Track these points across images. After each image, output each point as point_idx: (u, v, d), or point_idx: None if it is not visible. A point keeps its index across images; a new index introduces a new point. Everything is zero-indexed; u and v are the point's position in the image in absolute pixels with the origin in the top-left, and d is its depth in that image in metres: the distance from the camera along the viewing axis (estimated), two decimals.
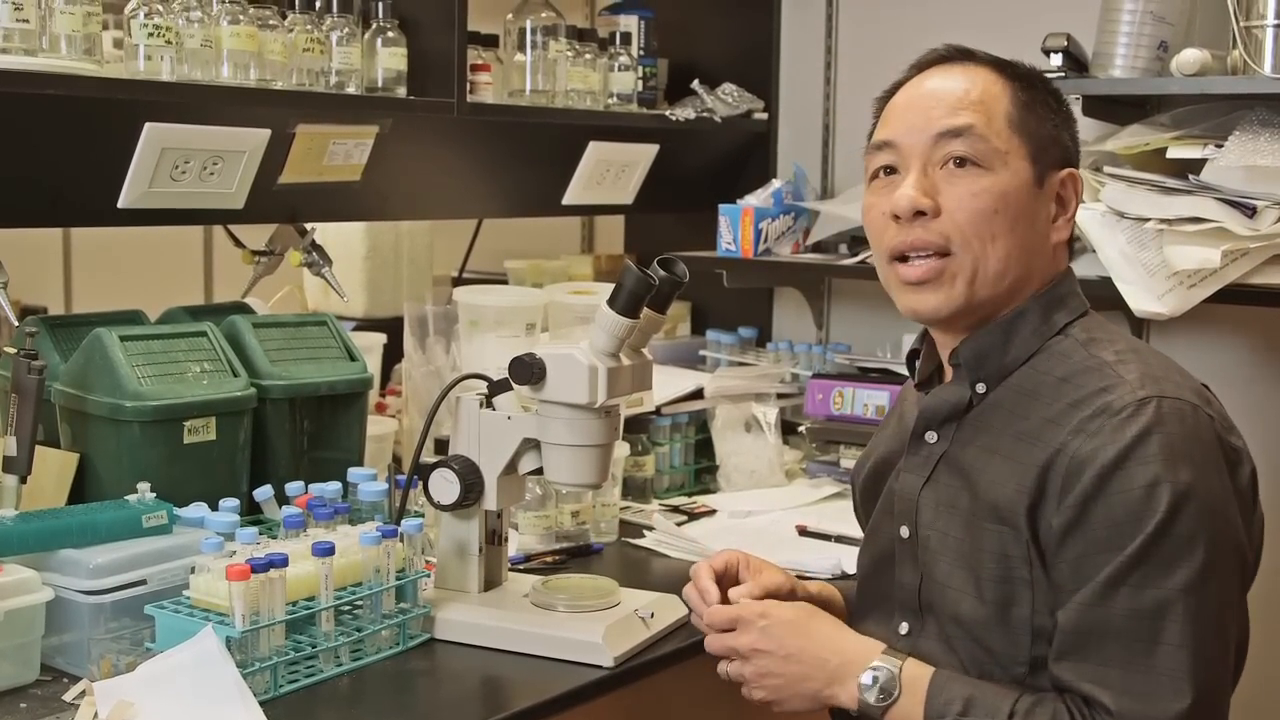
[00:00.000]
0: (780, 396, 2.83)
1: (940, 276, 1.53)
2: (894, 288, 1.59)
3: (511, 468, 1.86)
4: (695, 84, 3.03)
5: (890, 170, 1.58)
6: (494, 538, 1.92)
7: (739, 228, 2.87)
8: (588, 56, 2.74)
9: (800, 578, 1.78)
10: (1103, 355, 1.50)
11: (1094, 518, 1.41)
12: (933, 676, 1.49)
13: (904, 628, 1.60)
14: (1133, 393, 1.43)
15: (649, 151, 2.94)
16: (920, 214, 1.53)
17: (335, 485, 1.95)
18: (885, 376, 2.69)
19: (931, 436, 1.60)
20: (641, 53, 2.97)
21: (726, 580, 1.70)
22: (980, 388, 1.57)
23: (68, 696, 1.59)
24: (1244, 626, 1.55)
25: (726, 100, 3.06)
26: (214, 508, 1.85)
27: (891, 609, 1.63)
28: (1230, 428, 1.50)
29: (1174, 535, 1.38)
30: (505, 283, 3.24)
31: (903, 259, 1.56)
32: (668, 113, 2.94)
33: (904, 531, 1.61)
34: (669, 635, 1.86)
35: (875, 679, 1.50)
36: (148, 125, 2.03)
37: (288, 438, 2.08)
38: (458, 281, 3.11)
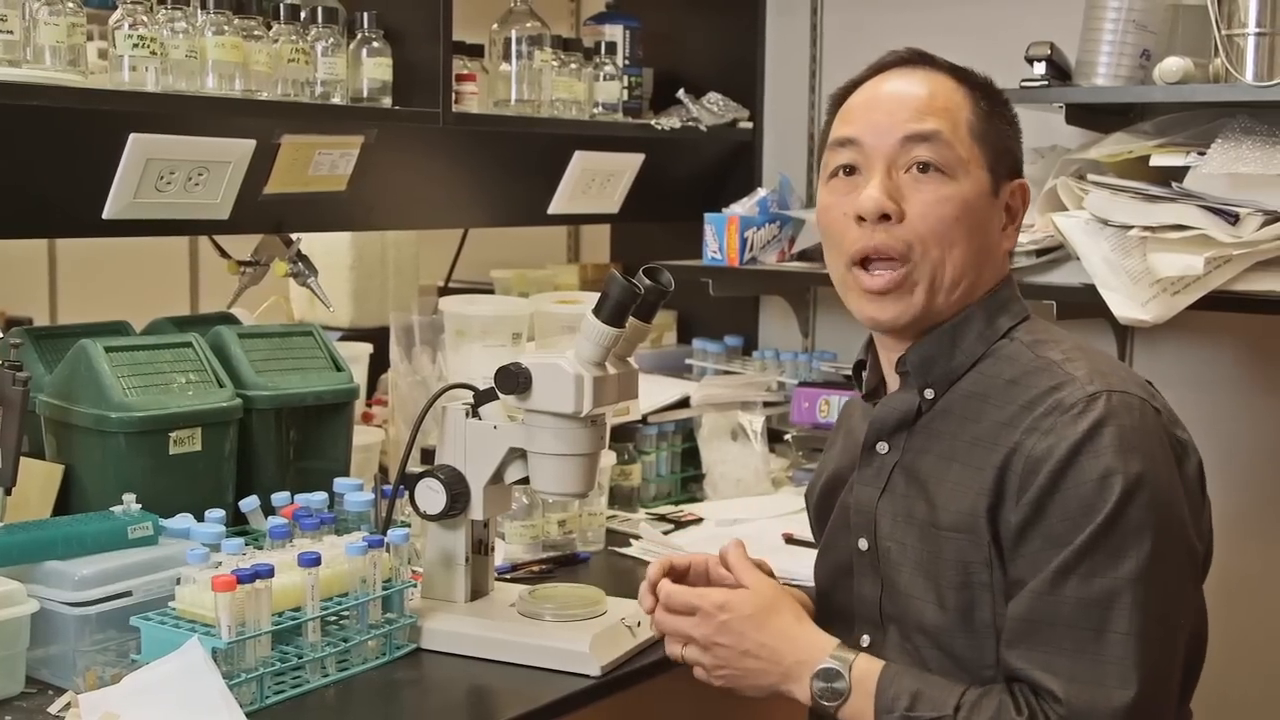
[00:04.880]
0: (766, 405, 2.84)
1: (901, 286, 1.54)
2: (852, 293, 1.59)
3: (498, 477, 1.86)
4: (680, 93, 3.04)
5: (850, 170, 1.57)
6: (480, 547, 1.92)
7: (725, 236, 2.88)
8: (573, 66, 2.74)
9: (785, 585, 1.77)
10: (1050, 355, 1.52)
11: (1050, 513, 1.43)
12: (881, 672, 1.50)
13: (865, 640, 1.61)
14: (1082, 388, 1.45)
15: (634, 161, 2.94)
16: (885, 218, 1.53)
17: (321, 495, 1.95)
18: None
19: (883, 447, 1.61)
20: (627, 62, 2.98)
21: (694, 577, 1.70)
22: (928, 394, 1.58)
23: (53, 709, 1.59)
24: (1201, 619, 1.56)
25: (712, 109, 3.07)
26: (200, 519, 1.85)
27: (851, 622, 1.64)
28: (1175, 421, 1.52)
29: (1123, 525, 1.39)
30: (491, 292, 3.24)
31: (864, 265, 1.56)
32: (653, 122, 2.94)
33: (863, 544, 1.62)
34: (656, 644, 1.85)
35: (827, 679, 1.52)
36: (132, 136, 2.03)
37: (274, 448, 2.08)
38: (444, 291, 3.10)
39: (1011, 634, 1.44)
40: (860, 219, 1.54)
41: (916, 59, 1.61)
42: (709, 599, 1.60)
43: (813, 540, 2.31)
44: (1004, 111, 1.61)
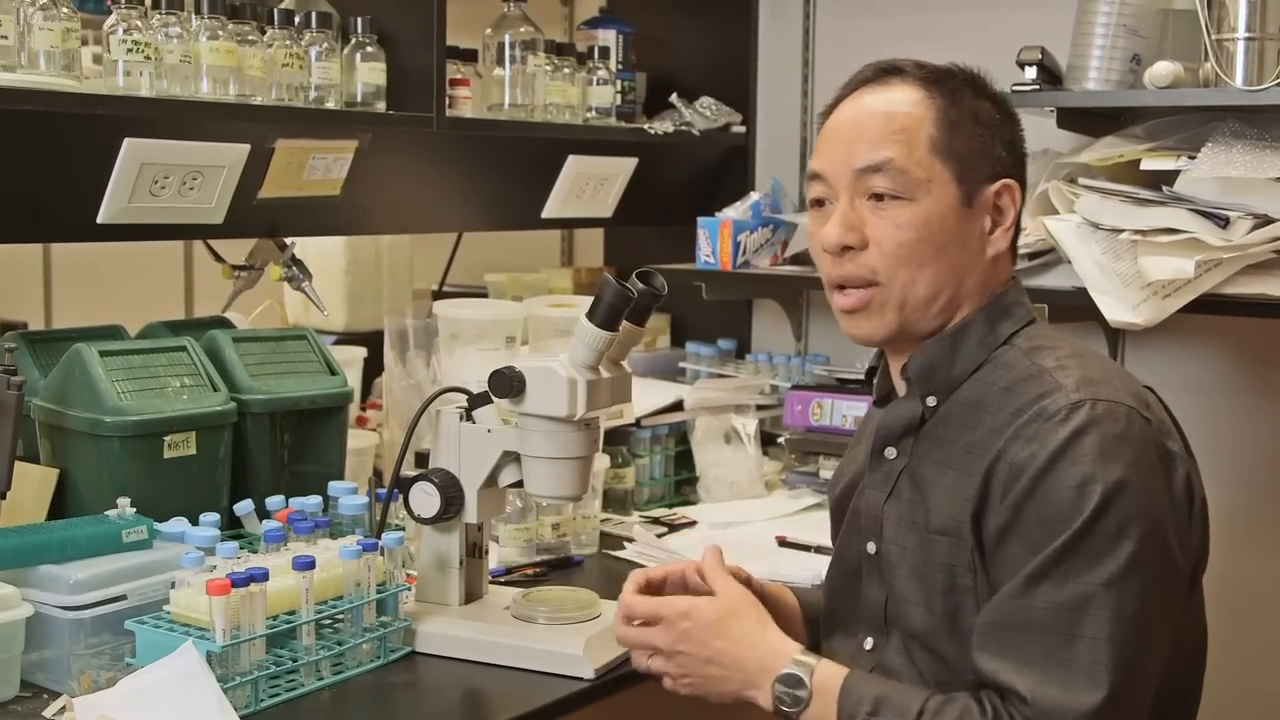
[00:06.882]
0: (759, 408, 2.84)
1: (869, 305, 1.57)
2: (836, 313, 1.63)
3: (492, 480, 1.86)
4: (674, 97, 3.04)
5: (821, 202, 1.62)
6: (474, 550, 1.92)
7: (718, 240, 2.88)
8: (566, 70, 2.75)
9: (770, 582, 1.79)
10: (1044, 363, 1.52)
11: (1027, 517, 1.43)
12: (845, 679, 1.50)
13: (869, 643, 1.61)
14: (1067, 396, 1.46)
15: (628, 165, 2.95)
16: (848, 248, 1.56)
17: (316, 499, 1.96)
18: (864, 388, 2.70)
19: (891, 452, 1.62)
20: (620, 67, 2.98)
21: (671, 588, 1.71)
22: (931, 401, 1.59)
23: (48, 712, 1.59)
24: (1199, 626, 1.57)
25: (705, 113, 3.07)
26: (194, 522, 1.85)
27: (857, 624, 1.64)
28: (1168, 432, 1.52)
29: (1099, 531, 1.40)
30: (485, 296, 3.24)
31: (839, 287, 1.60)
32: (646, 126, 2.95)
33: (870, 547, 1.63)
34: None
35: (788, 685, 1.51)
36: (127, 141, 2.03)
37: (268, 452, 2.08)
38: (438, 295, 3.11)
39: (983, 638, 1.45)
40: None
41: (886, 73, 1.61)
42: (673, 607, 1.61)
43: (806, 543, 2.34)
44: (978, 112, 1.58)
